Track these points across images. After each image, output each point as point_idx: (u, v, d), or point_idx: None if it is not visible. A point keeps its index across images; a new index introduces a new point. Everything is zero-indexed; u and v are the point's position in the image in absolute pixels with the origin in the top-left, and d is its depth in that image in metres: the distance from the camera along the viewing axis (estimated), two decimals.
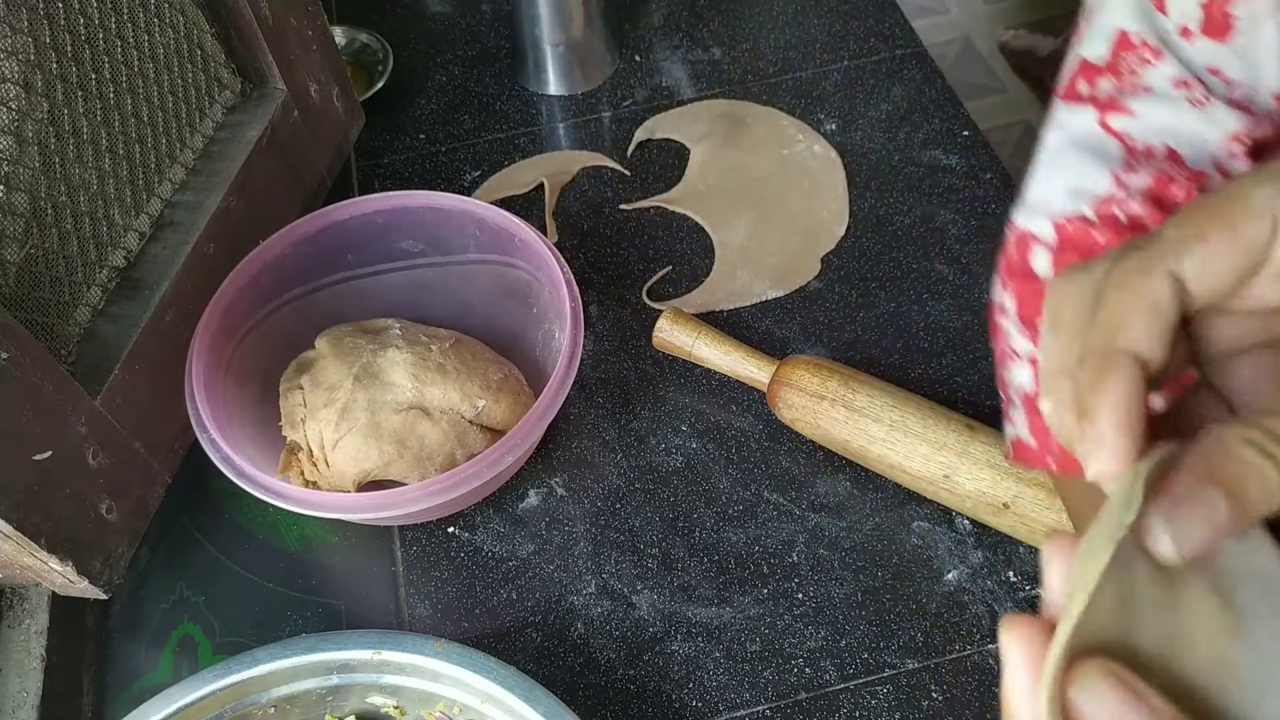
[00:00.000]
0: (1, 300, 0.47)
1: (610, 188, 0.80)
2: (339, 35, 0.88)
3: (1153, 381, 0.27)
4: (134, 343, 0.54)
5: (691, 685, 0.57)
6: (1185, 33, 0.42)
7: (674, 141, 0.82)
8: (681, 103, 0.85)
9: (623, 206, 0.78)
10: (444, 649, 0.51)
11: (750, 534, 0.62)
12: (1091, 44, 0.45)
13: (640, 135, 0.83)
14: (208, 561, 0.63)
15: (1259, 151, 0.42)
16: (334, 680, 0.52)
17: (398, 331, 0.62)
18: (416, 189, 0.65)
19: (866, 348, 0.69)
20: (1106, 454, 0.26)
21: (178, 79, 0.60)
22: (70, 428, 0.50)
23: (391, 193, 0.65)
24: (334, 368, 0.59)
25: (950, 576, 0.59)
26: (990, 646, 0.57)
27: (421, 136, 0.84)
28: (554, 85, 0.85)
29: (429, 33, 0.92)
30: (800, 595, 0.59)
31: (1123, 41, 0.43)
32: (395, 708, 0.53)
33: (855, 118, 0.83)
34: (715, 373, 0.67)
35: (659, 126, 0.83)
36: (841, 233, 0.76)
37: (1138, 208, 0.42)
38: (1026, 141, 1.83)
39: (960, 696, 0.56)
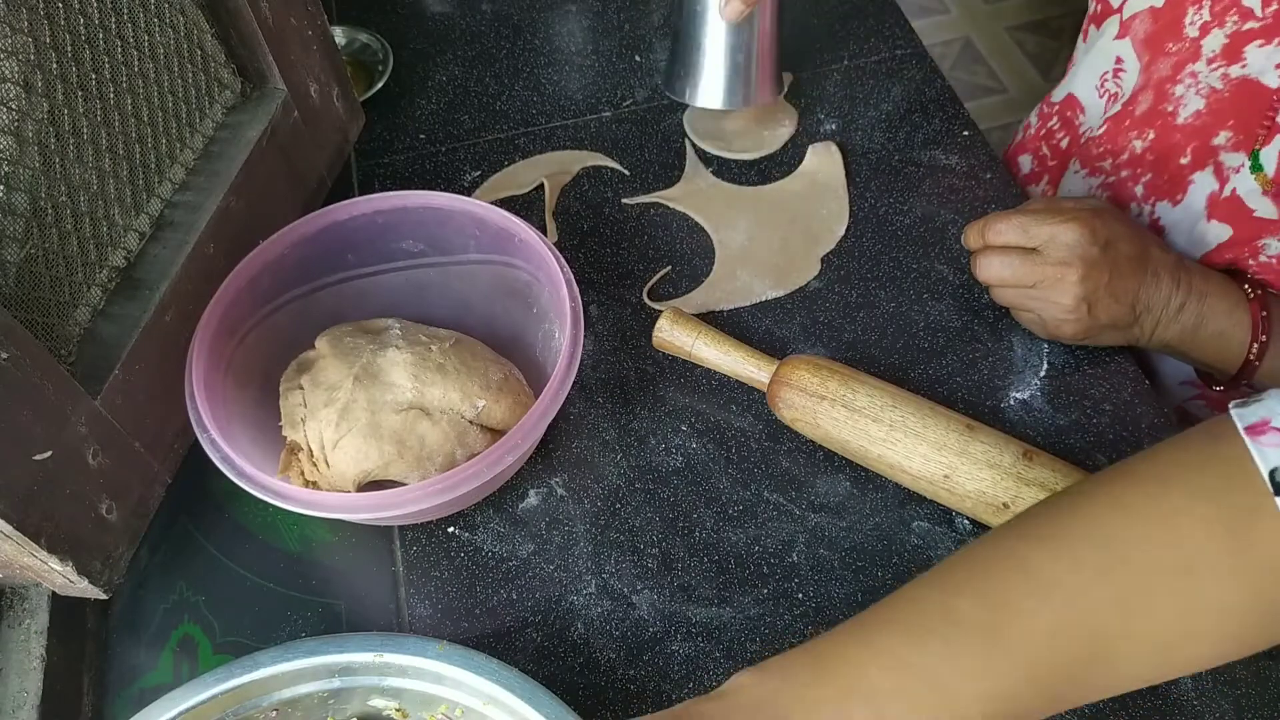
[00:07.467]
0: (1, 300, 0.47)
1: (610, 187, 0.80)
2: (339, 35, 0.88)
3: None
4: (134, 343, 0.54)
5: (691, 685, 0.57)
6: None
7: (673, 140, 0.82)
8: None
9: (624, 201, 0.78)
10: (446, 651, 0.51)
11: (750, 534, 0.62)
12: None
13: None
14: (208, 561, 0.63)
15: None
16: (336, 683, 0.52)
17: (398, 331, 0.62)
18: (416, 189, 0.65)
19: (866, 348, 0.69)
20: None
21: (178, 79, 0.60)
22: (70, 428, 0.50)
23: (391, 193, 0.65)
24: (334, 368, 0.59)
25: None
26: None
27: (421, 136, 0.84)
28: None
29: (429, 33, 0.92)
30: (800, 595, 0.59)
31: None
32: (397, 710, 0.53)
33: (855, 118, 0.83)
34: (715, 373, 0.67)
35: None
36: (841, 233, 0.76)
37: None
38: None
39: None
